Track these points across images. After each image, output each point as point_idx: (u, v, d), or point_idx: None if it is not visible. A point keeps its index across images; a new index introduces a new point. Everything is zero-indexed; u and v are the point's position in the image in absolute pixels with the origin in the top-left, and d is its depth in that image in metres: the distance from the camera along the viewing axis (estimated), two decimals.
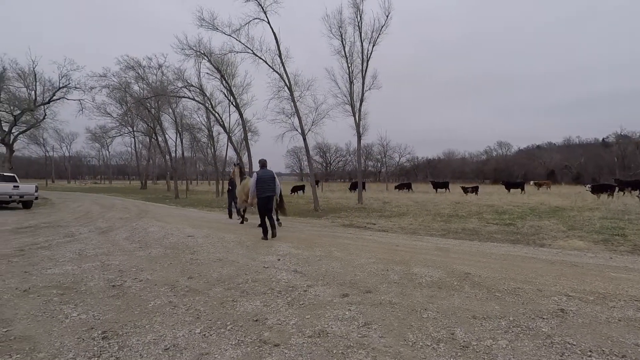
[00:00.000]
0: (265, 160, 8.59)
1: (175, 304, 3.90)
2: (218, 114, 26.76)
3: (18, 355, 2.75)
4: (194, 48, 20.17)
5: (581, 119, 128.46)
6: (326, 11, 30.95)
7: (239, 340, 3.03)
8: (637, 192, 20.92)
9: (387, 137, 70.20)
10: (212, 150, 35.99)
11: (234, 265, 5.67)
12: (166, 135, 33.25)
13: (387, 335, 3.09)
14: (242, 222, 11.54)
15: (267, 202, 8.29)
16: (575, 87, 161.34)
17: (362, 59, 18.34)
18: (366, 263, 5.76)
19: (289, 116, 18.82)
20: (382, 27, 17.75)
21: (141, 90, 29.17)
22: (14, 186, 15.98)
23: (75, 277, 4.93)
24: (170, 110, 29.58)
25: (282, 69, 17.59)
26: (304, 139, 18.20)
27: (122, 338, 3.06)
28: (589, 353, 2.75)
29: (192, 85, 23.82)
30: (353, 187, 34.08)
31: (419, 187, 43.51)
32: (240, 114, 23.12)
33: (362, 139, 19.57)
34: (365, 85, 18.71)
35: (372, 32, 17.94)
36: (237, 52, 18.38)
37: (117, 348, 2.88)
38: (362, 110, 19.03)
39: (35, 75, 25.24)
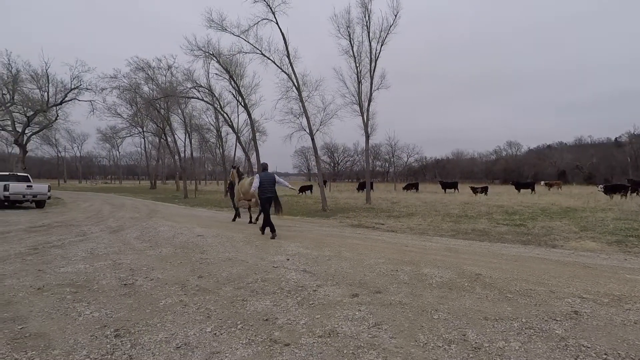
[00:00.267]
0: (266, 164, 9.56)
1: (186, 302, 3.93)
2: (227, 114, 26.98)
3: (33, 352, 2.80)
4: (203, 49, 20.37)
5: (593, 118, 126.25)
6: (334, 11, 30.87)
7: (249, 339, 3.04)
8: None
9: (395, 137, 69.76)
10: (221, 150, 36.32)
11: (243, 265, 5.70)
12: (175, 136, 33.67)
13: (397, 336, 3.07)
14: (234, 220, 12.53)
15: (267, 202, 8.91)
16: (588, 85, 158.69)
17: (371, 58, 18.32)
18: (375, 263, 5.74)
19: (297, 116, 18.89)
20: (391, 26, 17.75)
21: (151, 91, 29.58)
22: (28, 186, 16.27)
23: (88, 276, 5.00)
24: (180, 110, 29.89)
25: (290, 69, 17.65)
26: (312, 139, 18.21)
27: (135, 336, 3.09)
28: (605, 356, 2.70)
29: (201, 86, 24.04)
30: (361, 187, 34.00)
31: (427, 187, 43.27)
32: (249, 114, 23.24)
33: (370, 138, 19.57)
34: (373, 85, 18.70)
35: (381, 31, 17.94)
36: (246, 52, 18.52)
37: (129, 346, 2.91)
38: (370, 110, 19.05)
39: (47, 77, 25.66)
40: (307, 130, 18.15)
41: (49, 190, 16.96)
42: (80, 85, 26.50)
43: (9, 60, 24.15)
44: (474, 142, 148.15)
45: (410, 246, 7.54)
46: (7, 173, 18.54)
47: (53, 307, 3.76)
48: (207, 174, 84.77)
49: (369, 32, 17.95)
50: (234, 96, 25.43)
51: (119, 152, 78.79)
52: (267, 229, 8.76)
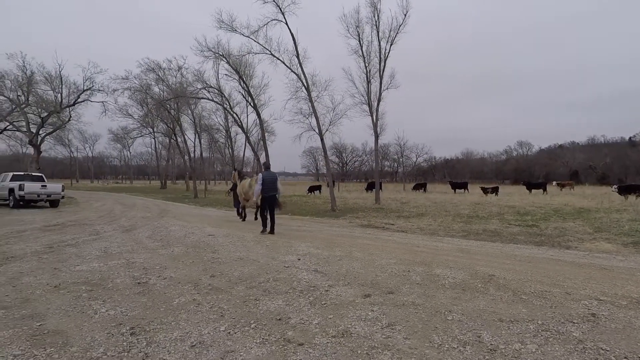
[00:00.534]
0: (269, 163, 9.86)
1: (199, 301, 3.96)
2: (236, 114, 27.13)
3: (52, 349, 2.85)
4: (213, 50, 20.44)
5: (606, 117, 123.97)
6: (343, 11, 30.87)
7: (263, 338, 3.05)
8: None
9: (405, 137, 69.36)
10: (230, 150, 36.52)
11: (255, 264, 5.72)
12: (185, 136, 33.95)
13: (411, 337, 3.05)
14: (243, 220, 12.67)
15: (271, 200, 9.18)
16: (588, 85, 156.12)
17: (380, 58, 18.25)
18: (387, 264, 5.71)
19: (307, 116, 18.89)
20: (400, 26, 17.66)
21: (161, 92, 29.83)
22: (42, 186, 16.60)
23: (102, 274, 5.07)
24: (190, 111, 30.16)
25: (299, 69, 17.67)
26: (322, 140, 18.21)
27: (150, 334, 3.13)
28: (624, 359, 2.65)
29: (211, 87, 24.20)
30: (369, 187, 33.91)
31: (436, 188, 42.96)
32: (258, 115, 23.32)
33: (379, 138, 19.48)
34: (382, 85, 18.62)
35: (390, 31, 17.85)
36: (256, 53, 18.55)
37: (145, 344, 2.94)
38: (379, 109, 18.97)
39: (61, 78, 26.09)
40: (317, 131, 18.16)
41: (62, 190, 17.26)
42: (93, 86, 26.91)
43: (23, 62, 24.63)
44: (483, 141, 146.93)
45: (421, 247, 7.49)
46: (22, 173, 18.89)
47: (70, 305, 3.82)
48: (216, 174, 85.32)
49: (378, 32, 17.90)
50: (243, 96, 25.52)
51: (130, 153, 79.96)
52: (267, 229, 9.12)
